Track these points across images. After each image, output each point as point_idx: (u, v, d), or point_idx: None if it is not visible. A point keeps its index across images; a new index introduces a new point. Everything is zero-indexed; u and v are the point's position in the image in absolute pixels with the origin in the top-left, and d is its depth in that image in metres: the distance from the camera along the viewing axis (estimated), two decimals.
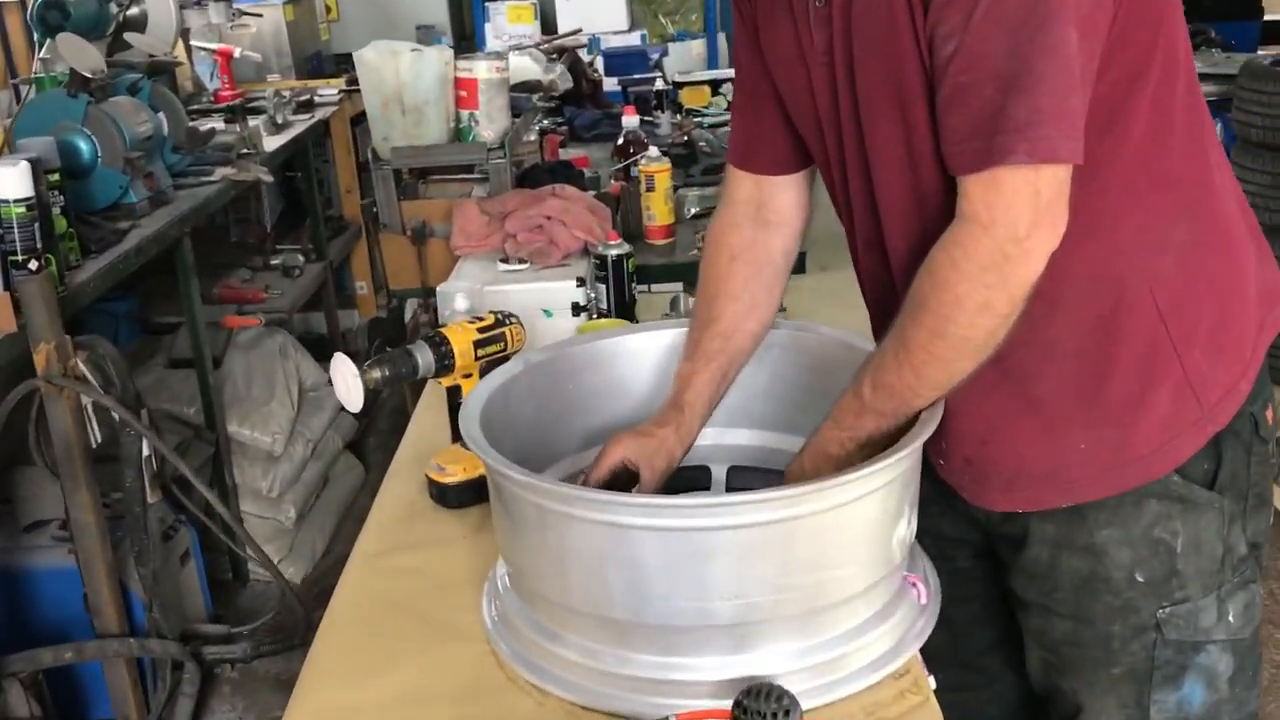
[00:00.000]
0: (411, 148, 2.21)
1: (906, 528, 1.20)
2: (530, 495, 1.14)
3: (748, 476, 1.47)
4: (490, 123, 2.25)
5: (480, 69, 2.21)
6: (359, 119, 4.37)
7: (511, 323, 1.56)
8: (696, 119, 3.63)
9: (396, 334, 2.30)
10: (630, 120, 2.61)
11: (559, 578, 1.15)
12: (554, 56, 3.34)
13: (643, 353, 1.48)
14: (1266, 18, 6.88)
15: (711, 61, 4.71)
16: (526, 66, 3.04)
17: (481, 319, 1.55)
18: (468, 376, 1.54)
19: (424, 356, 1.49)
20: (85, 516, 2.07)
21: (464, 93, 2.23)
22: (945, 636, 1.24)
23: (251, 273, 3.59)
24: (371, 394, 1.46)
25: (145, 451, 2.08)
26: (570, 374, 1.44)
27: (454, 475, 1.54)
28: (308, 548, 3.10)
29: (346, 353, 1.49)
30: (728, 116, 3.66)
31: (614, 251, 1.94)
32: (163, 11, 3.10)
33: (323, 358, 3.53)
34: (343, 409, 1.42)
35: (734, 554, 1.08)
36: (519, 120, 2.42)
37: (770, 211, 1.40)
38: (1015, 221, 1.04)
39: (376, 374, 1.44)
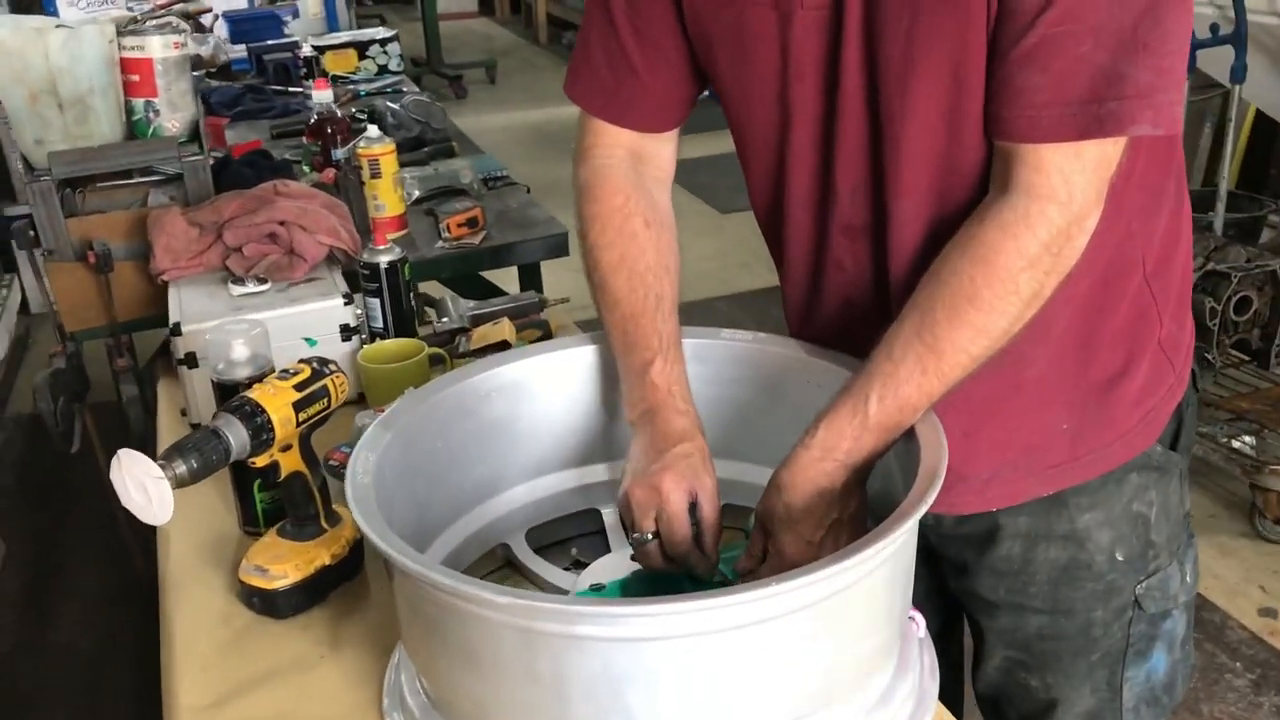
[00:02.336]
0: (78, 150, 1.73)
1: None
2: (515, 619, 0.85)
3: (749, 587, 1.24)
4: (174, 111, 1.81)
5: (154, 46, 1.76)
6: None
7: (332, 371, 1.22)
8: (348, 86, 3.25)
9: (83, 387, 1.82)
10: (322, 95, 2.23)
11: (555, 713, 0.88)
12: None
13: (521, 384, 1.21)
14: None
15: (330, 20, 4.26)
16: None
17: (292, 372, 1.20)
18: (286, 449, 1.19)
19: (236, 435, 1.12)
20: None
21: (136, 77, 1.77)
22: None
23: None
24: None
25: None
26: (438, 429, 1.15)
27: (284, 577, 1.20)
28: None
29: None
30: (382, 82, 3.32)
31: (385, 257, 1.62)
32: None
33: None
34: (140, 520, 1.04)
35: (781, 646, 0.87)
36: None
37: (654, 167, 1.19)
38: (1088, 197, 0.91)
39: (183, 469, 1.07)
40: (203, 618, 1.22)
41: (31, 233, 1.76)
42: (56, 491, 3.13)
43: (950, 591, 1.30)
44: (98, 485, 1.97)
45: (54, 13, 3.91)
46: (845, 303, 1.12)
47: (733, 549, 1.15)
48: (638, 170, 1.17)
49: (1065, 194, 0.91)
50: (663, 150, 1.18)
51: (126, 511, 1.06)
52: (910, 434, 1.00)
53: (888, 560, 0.93)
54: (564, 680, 0.86)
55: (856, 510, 1.03)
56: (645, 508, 1.05)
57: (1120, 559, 1.17)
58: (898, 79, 0.97)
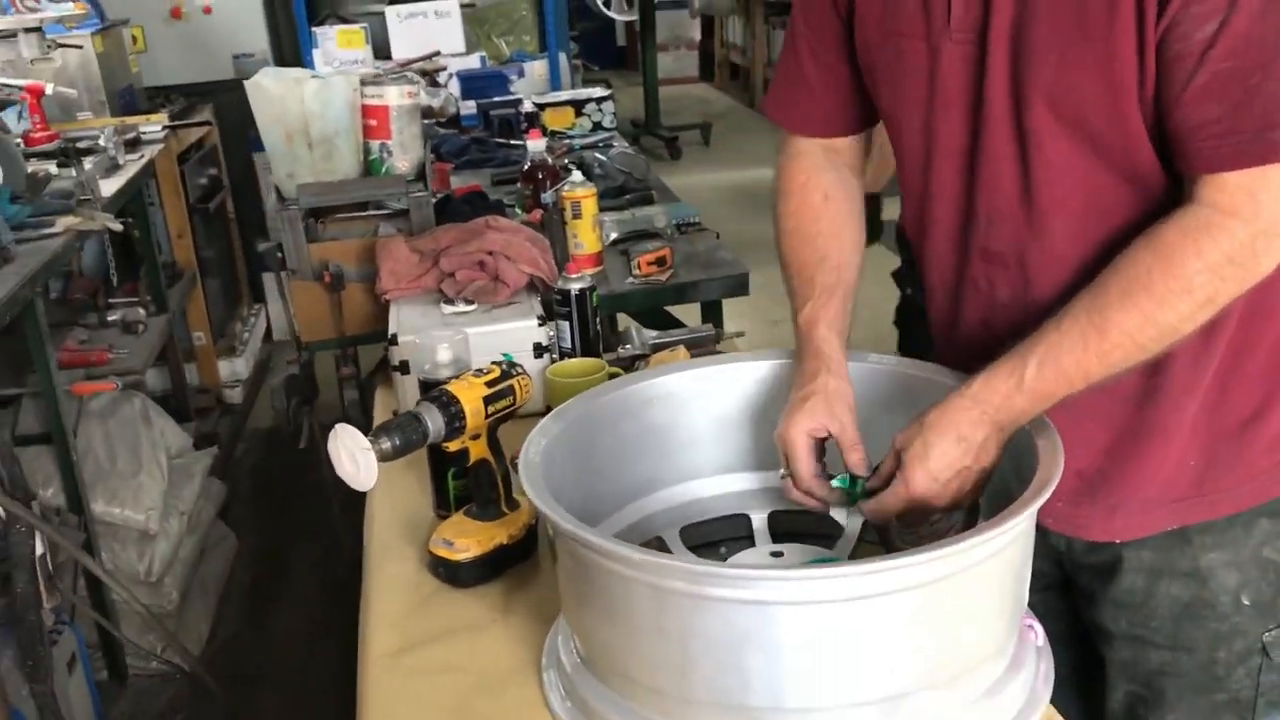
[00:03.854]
0: (322, 184, 1.99)
1: (1029, 567, 1.11)
2: (647, 576, 0.98)
3: (793, 520, 1.35)
4: (405, 153, 2.05)
5: (391, 95, 2.01)
6: (185, 156, 4.05)
7: (518, 373, 1.39)
8: (564, 140, 3.51)
9: (312, 391, 2.07)
10: (536, 145, 2.46)
11: (680, 667, 1.00)
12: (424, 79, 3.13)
13: (678, 396, 1.34)
14: None
15: (554, 81, 4.57)
16: None
17: (484, 371, 1.38)
18: (475, 438, 1.36)
19: (433, 420, 1.30)
20: None
21: (373, 121, 2.03)
22: None
23: (88, 332, 3.23)
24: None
25: (39, 549, 1.78)
26: (606, 425, 1.30)
27: (467, 550, 1.36)
28: (193, 632, 2.79)
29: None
30: (595, 137, 3.56)
31: (576, 285, 1.79)
32: None
33: (181, 419, 3.21)
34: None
35: (895, 621, 0.97)
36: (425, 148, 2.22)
37: (841, 158, 1.32)
38: (1275, 214, 0.97)
39: (387, 445, 1.25)
40: (396, 583, 1.40)
41: (279, 254, 2.02)
42: (285, 497, 3.47)
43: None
44: (319, 491, 2.21)
45: (311, 68, 4.36)
46: (984, 324, 1.20)
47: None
48: (829, 158, 1.30)
49: (1251, 211, 0.97)
50: (851, 145, 1.31)
51: (341, 515, 1.25)
52: (1031, 450, 1.08)
53: (1001, 552, 1.00)
54: (689, 636, 0.98)
55: (990, 466, 1.09)
56: (778, 447, 1.19)
57: (1246, 603, 1.19)
58: (1037, 112, 1.05)
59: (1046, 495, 1.00)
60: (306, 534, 3.21)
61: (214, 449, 3.12)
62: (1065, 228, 1.10)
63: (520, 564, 1.40)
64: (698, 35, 10.52)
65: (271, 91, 1.96)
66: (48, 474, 2.52)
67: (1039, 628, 1.16)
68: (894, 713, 1.00)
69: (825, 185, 1.28)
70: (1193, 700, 1.23)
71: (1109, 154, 1.05)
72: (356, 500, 1.55)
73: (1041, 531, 1.20)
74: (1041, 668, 1.13)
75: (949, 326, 1.25)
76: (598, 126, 3.62)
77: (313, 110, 1.96)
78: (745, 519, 1.38)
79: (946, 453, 1.07)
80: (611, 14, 9.12)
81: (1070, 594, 1.35)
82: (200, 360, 4.07)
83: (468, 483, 1.43)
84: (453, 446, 1.34)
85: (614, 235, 2.39)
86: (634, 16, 7.50)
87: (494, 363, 1.40)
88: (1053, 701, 1.38)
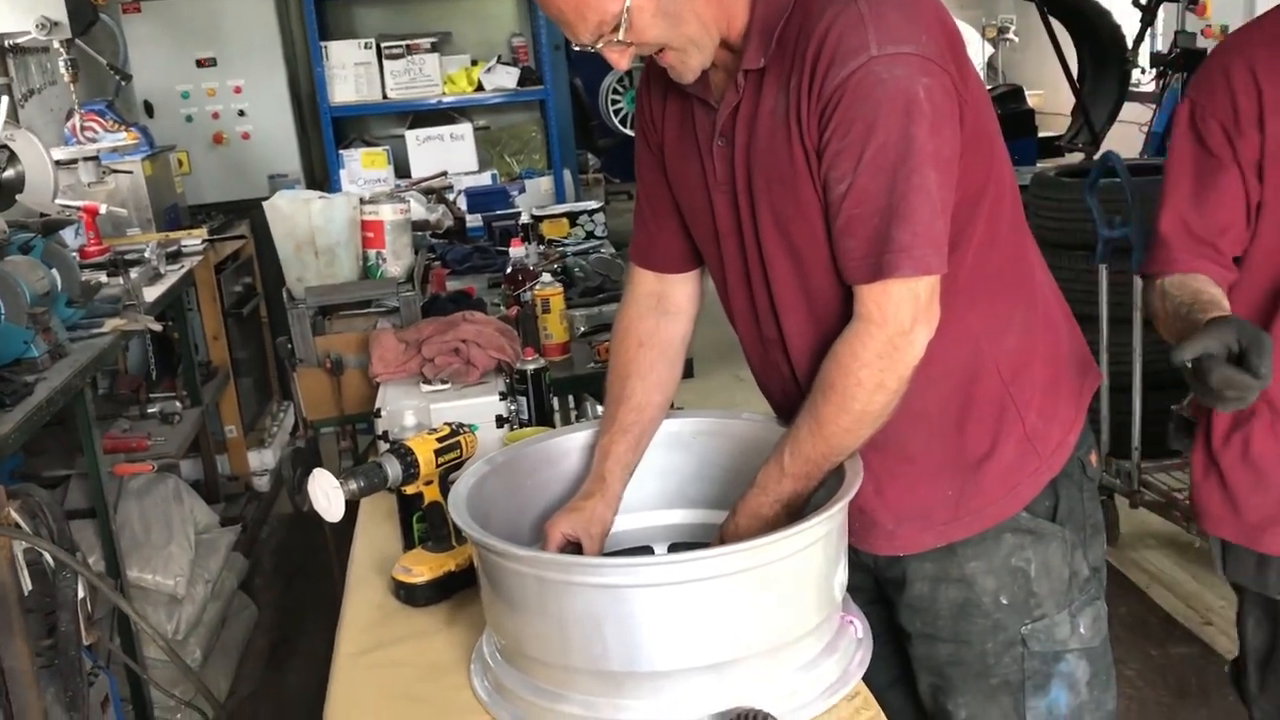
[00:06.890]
0: (325, 286, 2.37)
1: (843, 572, 1.41)
2: (531, 569, 1.30)
3: (687, 552, 1.65)
4: (396, 259, 2.43)
5: (385, 212, 2.40)
6: (222, 266, 4.48)
7: (465, 432, 1.73)
8: (559, 248, 3.89)
9: (315, 462, 2.41)
10: (517, 251, 2.84)
11: (560, 642, 1.31)
12: (428, 197, 3.55)
13: (590, 448, 1.66)
14: (1040, 135, 7.79)
15: (559, 195, 4.99)
16: (412, 207, 3.24)
17: (437, 430, 1.72)
18: (429, 484, 1.69)
19: (393, 467, 1.63)
20: (20, 665, 2.08)
21: (370, 234, 2.41)
22: None
23: (130, 422, 3.61)
24: (348, 505, 1.60)
25: (80, 594, 2.12)
26: (529, 471, 1.62)
27: (420, 576, 1.68)
28: (214, 689, 3.09)
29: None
30: (587, 245, 3.95)
31: (532, 366, 2.14)
32: (39, 171, 3.17)
33: (211, 502, 3.56)
34: (319, 518, 1.54)
35: (715, 600, 1.27)
36: (418, 256, 2.60)
37: (669, 303, 1.62)
38: (901, 319, 1.31)
39: (354, 485, 1.58)
40: (366, 604, 1.72)
41: (289, 346, 2.39)
42: (303, 574, 3.80)
43: None
44: (328, 567, 2.52)
45: (338, 189, 4.80)
46: (781, 393, 1.54)
47: None
48: (656, 305, 1.61)
49: (879, 317, 1.31)
50: (679, 290, 1.62)
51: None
52: (839, 472, 1.40)
53: (805, 549, 1.30)
54: (564, 615, 1.29)
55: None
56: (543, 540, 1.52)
57: (1004, 602, 1.49)
58: (765, 237, 1.41)
59: (843, 503, 1.32)
60: (321, 605, 3.53)
61: (238, 526, 3.46)
62: (797, 324, 1.44)
63: (465, 589, 1.71)
64: None
65: (284, 210, 2.35)
66: (90, 544, 2.86)
67: (860, 624, 1.45)
68: (726, 676, 1.30)
69: (641, 333, 1.59)
70: (974, 685, 1.51)
71: (817, 268, 1.38)
72: None
73: (855, 551, 1.50)
74: (858, 655, 1.42)
75: (766, 390, 1.59)
76: (590, 235, 4.01)
77: (318, 225, 2.34)
78: (649, 550, 1.70)
79: (751, 529, 1.41)
80: (629, 132, 9.71)
81: (890, 611, 1.61)
82: (231, 451, 4.44)
83: (428, 528, 1.76)
84: (410, 490, 1.67)
85: (583, 328, 2.75)
86: None
87: (445, 423, 1.73)
88: (888, 700, 1.67)
